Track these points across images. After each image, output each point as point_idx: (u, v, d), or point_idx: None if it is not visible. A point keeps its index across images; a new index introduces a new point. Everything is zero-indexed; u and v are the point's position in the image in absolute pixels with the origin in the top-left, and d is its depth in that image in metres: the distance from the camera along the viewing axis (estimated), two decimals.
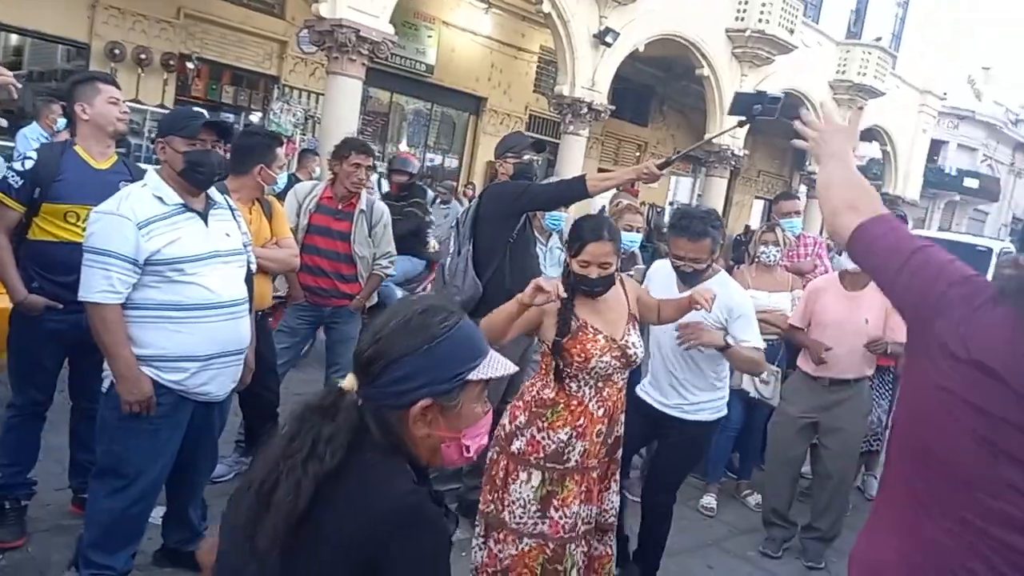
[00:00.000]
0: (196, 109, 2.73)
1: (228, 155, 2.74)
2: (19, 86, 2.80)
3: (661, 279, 3.27)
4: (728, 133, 14.26)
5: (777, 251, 4.47)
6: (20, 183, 2.81)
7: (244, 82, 12.27)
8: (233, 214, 2.75)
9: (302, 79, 12.38)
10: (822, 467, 3.97)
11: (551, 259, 4.55)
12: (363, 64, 9.34)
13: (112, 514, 2.53)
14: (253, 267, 2.83)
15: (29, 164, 2.84)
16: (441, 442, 1.23)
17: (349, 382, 1.22)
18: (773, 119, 3.36)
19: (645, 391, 3.28)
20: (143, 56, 10.53)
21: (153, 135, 10.10)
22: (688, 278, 3.08)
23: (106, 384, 2.49)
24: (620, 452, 2.81)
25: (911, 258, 1.26)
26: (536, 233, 4.14)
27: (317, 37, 9.36)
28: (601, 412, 2.63)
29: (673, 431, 3.19)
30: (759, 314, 4.40)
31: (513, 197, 3.60)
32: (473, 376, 1.23)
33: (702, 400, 3.16)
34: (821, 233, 16.11)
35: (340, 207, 3.91)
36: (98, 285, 2.35)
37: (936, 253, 1.27)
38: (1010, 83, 33.03)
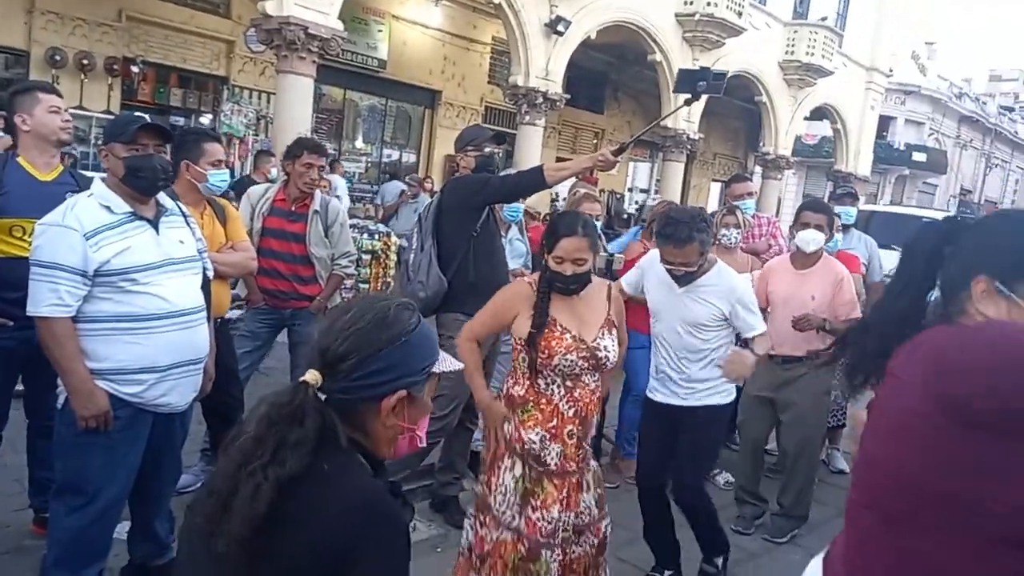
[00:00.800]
0: (136, 114, 2.65)
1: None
2: None
3: (659, 274, 3.19)
4: (682, 117, 14.43)
5: (738, 233, 4.53)
6: None
7: (192, 84, 12.03)
8: (186, 220, 2.70)
9: (252, 79, 12.18)
10: (781, 448, 4.06)
11: (511, 251, 4.55)
12: (313, 61, 9.22)
13: (75, 532, 2.47)
14: (210, 274, 2.78)
15: None
16: (399, 433, 1.27)
17: (313, 376, 1.21)
18: (720, 96, 3.40)
19: (655, 392, 3.27)
20: (85, 61, 10.26)
21: (100, 142, 9.88)
22: (682, 280, 3.08)
23: (60, 400, 2.43)
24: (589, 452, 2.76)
25: None
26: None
27: (265, 36, 9.21)
28: (572, 412, 2.61)
29: (689, 421, 3.18)
30: None
31: (474, 190, 3.60)
32: (436, 368, 1.30)
33: (711, 385, 3.17)
34: (778, 211, 16.39)
35: (294, 208, 3.86)
36: (46, 299, 2.29)
37: None
38: (953, 57, 33.86)
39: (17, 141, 2.93)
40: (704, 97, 4.46)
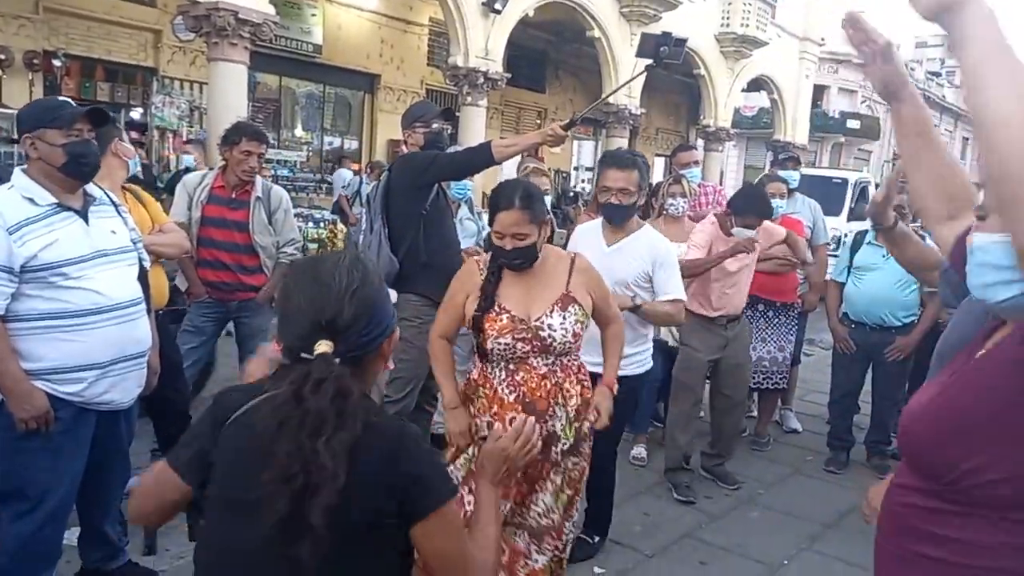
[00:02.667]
0: (61, 98, 2.52)
1: None
2: None
3: (587, 239, 3.27)
4: (624, 92, 14.48)
5: (684, 202, 4.56)
6: None
7: (120, 77, 11.58)
8: (117, 209, 2.59)
9: (182, 69, 11.78)
10: (723, 401, 4.19)
11: (461, 231, 4.51)
12: (246, 48, 8.95)
13: (21, 539, 2.38)
14: (146, 264, 2.68)
15: None
16: (381, 367, 1.40)
17: (327, 347, 1.23)
18: (678, 62, 3.40)
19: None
20: (2, 56, 9.80)
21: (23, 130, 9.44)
22: (616, 218, 3.12)
23: None
24: (562, 451, 2.48)
25: None
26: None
27: (193, 23, 8.90)
28: (513, 398, 2.40)
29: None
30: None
31: (422, 168, 3.54)
32: None
33: (627, 355, 3.14)
34: (721, 182, 16.58)
35: (234, 195, 3.74)
36: None
37: None
38: (880, 25, 34.70)
39: None
40: (644, 72, 4.47)
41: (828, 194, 5.08)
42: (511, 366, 2.43)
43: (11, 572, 2.40)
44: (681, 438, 4.17)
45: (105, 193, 2.58)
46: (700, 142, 19.33)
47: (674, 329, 4.47)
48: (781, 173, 5.15)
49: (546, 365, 2.43)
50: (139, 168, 3.33)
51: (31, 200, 2.29)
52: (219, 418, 1.30)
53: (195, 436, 1.34)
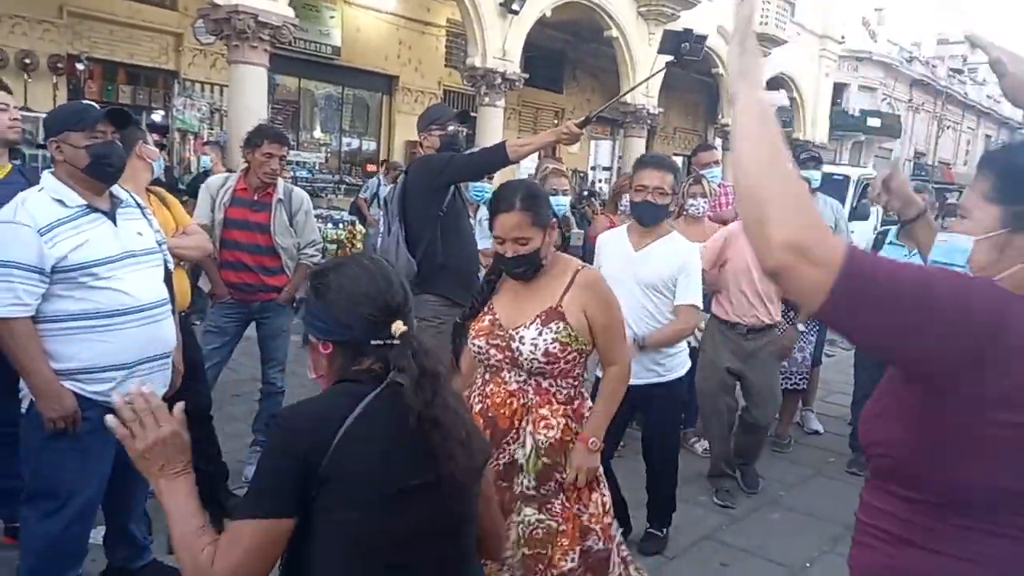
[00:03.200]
0: (84, 101, 2.57)
1: None
2: None
3: (612, 246, 3.31)
4: (641, 92, 14.44)
5: (704, 202, 4.54)
6: None
7: (141, 80, 11.71)
8: (143, 212, 2.62)
9: (203, 72, 11.88)
10: (746, 422, 4.15)
11: (481, 232, 4.52)
12: (265, 50, 9.01)
13: (48, 538, 2.41)
14: (171, 266, 2.71)
15: None
16: None
17: (403, 325, 1.35)
18: (698, 59, 3.41)
19: None
20: (27, 60, 9.91)
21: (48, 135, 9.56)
22: (648, 218, 3.15)
23: (25, 404, 2.37)
24: (523, 491, 2.19)
25: (918, 297, 1.02)
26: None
27: (214, 26, 8.98)
28: (479, 408, 2.24)
29: (655, 398, 3.29)
30: None
31: (438, 170, 3.56)
32: None
33: (672, 361, 3.31)
34: None
35: (256, 197, 3.77)
36: (3, 299, 2.22)
37: (928, 275, 1.07)
38: (901, 22, 34.37)
39: None
40: (664, 70, 4.47)
41: (827, 192, 4.98)
42: (487, 375, 2.29)
43: (39, 570, 2.44)
44: (716, 446, 4.16)
45: (130, 195, 2.61)
46: (719, 141, 19.23)
47: (696, 330, 4.46)
48: (803, 173, 5.11)
49: (517, 382, 2.21)
50: (162, 170, 3.37)
51: (61, 202, 2.32)
52: (307, 445, 1.25)
53: (277, 475, 1.26)
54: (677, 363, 3.34)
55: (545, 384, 2.22)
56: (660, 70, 4.69)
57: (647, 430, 3.54)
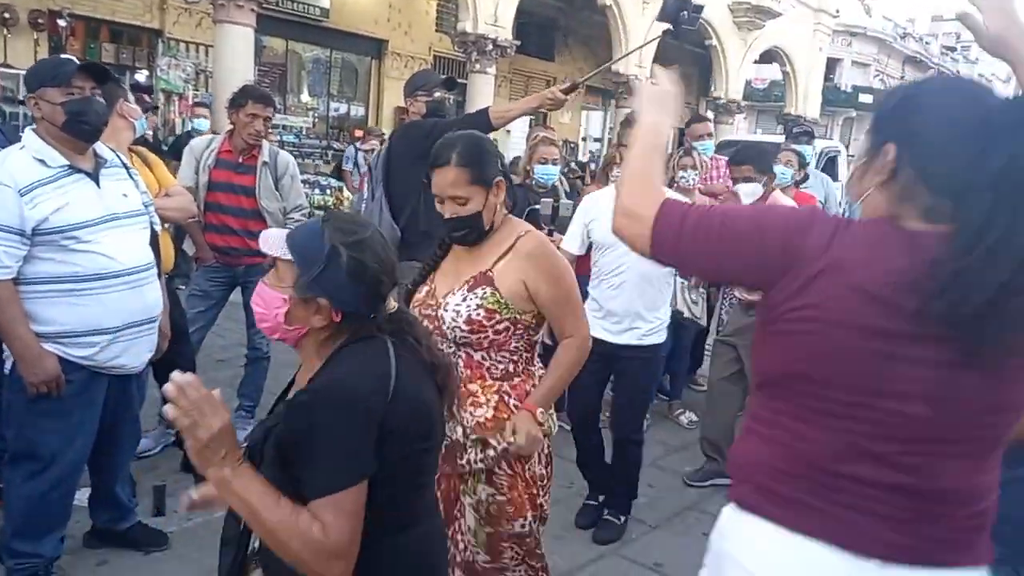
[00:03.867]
0: (64, 56, 2.47)
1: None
2: None
3: (602, 206, 3.15)
4: (634, 62, 14.29)
5: (695, 174, 4.51)
6: None
7: (125, 38, 11.45)
8: (129, 172, 2.56)
9: (188, 31, 11.64)
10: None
11: None
12: (252, 10, 8.84)
13: (32, 500, 2.40)
14: (158, 228, 2.66)
15: None
16: None
17: (393, 303, 1.48)
18: (694, 28, 3.36)
19: (599, 328, 3.11)
20: (7, 15, 9.67)
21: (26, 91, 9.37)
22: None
23: (7, 366, 2.33)
24: (470, 469, 2.03)
25: (722, 231, 1.26)
26: None
27: None
28: None
29: (627, 362, 3.22)
30: None
31: (422, 136, 3.50)
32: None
33: (653, 324, 3.24)
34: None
35: (241, 160, 3.71)
36: None
37: (736, 213, 1.31)
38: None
39: None
40: (659, 38, 4.41)
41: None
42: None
43: (23, 532, 2.43)
44: (709, 422, 4.06)
45: (116, 155, 2.55)
46: (710, 114, 19.15)
47: (688, 299, 4.47)
48: (795, 147, 5.09)
49: (457, 357, 2.01)
50: (147, 129, 3.30)
51: (42, 162, 2.26)
52: (380, 404, 1.31)
53: (360, 441, 1.28)
54: (656, 328, 3.26)
55: (477, 357, 2.01)
56: (655, 38, 4.62)
57: (617, 398, 3.38)
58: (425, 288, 2.10)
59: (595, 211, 3.24)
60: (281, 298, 1.37)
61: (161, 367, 3.26)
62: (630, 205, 1.33)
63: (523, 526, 2.06)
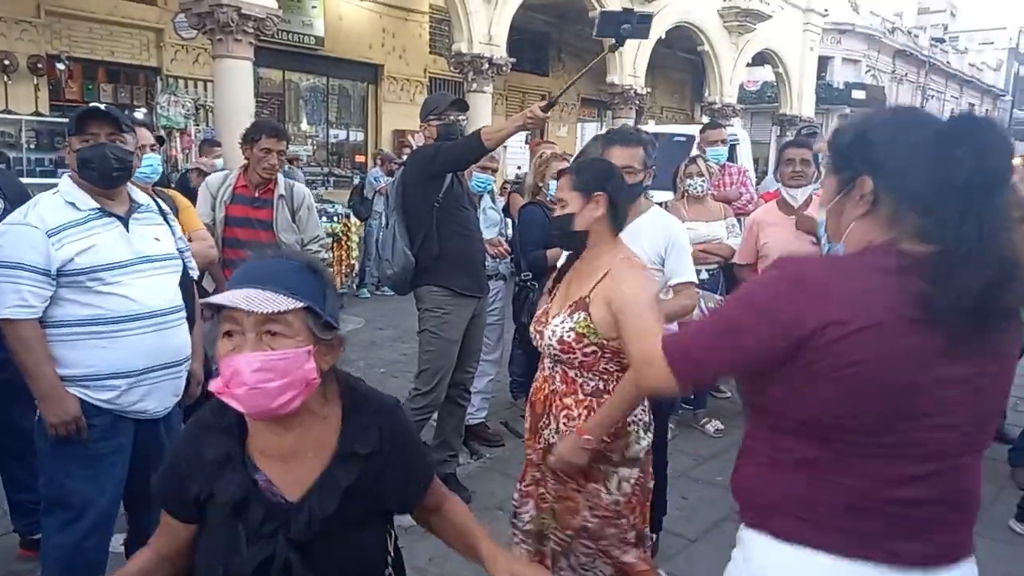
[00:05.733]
0: (92, 104, 2.49)
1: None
2: None
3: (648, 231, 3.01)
4: (628, 72, 14.36)
5: (703, 181, 4.51)
6: None
7: (122, 77, 11.52)
8: (165, 217, 2.57)
9: (186, 67, 11.71)
10: None
11: (485, 220, 4.47)
12: (250, 43, 8.86)
13: (67, 549, 2.37)
14: (193, 273, 2.67)
15: None
16: None
17: None
18: (646, 39, 3.35)
19: None
20: (7, 62, 9.72)
21: (32, 146, 9.42)
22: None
23: (38, 413, 2.30)
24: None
25: (723, 325, 1.34)
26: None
27: (196, 20, 8.82)
28: (532, 395, 2.35)
29: None
30: (700, 245, 4.48)
31: (429, 160, 3.55)
32: (212, 301, 1.25)
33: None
34: (758, 164, 16.37)
35: (257, 194, 3.71)
36: (9, 300, 2.18)
37: (728, 306, 1.39)
38: None
39: None
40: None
41: (671, 156, 4.42)
42: (545, 360, 2.32)
43: None
44: None
45: (155, 200, 2.57)
46: (705, 119, 19.22)
47: (706, 309, 4.43)
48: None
49: (549, 367, 2.27)
50: (154, 168, 3.27)
51: (73, 205, 2.29)
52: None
53: None
54: None
55: (571, 374, 2.21)
56: (603, 55, 4.63)
57: None
58: (544, 306, 2.33)
59: (642, 233, 3.15)
60: (305, 352, 1.25)
61: (194, 411, 3.24)
62: (640, 355, 1.53)
63: (581, 524, 2.22)
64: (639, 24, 3.27)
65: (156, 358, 2.38)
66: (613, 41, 3.46)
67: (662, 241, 2.86)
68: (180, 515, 1.40)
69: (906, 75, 35.15)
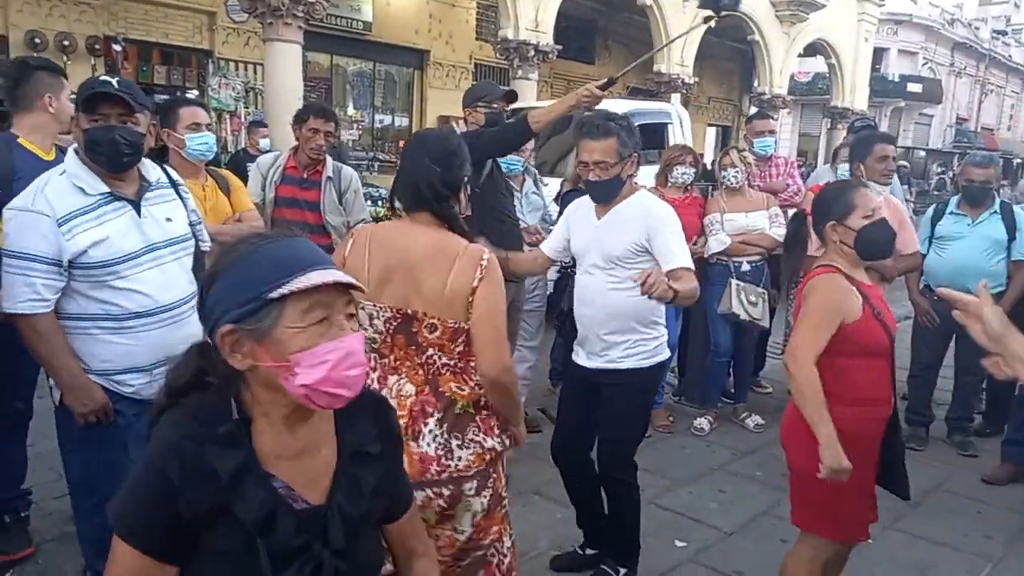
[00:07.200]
0: (102, 78, 2.27)
1: (152, 127, 2.38)
2: None
3: (580, 213, 2.87)
4: (676, 61, 14.17)
5: (736, 172, 4.44)
6: None
7: (176, 59, 11.74)
8: (177, 190, 2.44)
9: (237, 50, 11.89)
10: None
11: (528, 205, 4.48)
12: (300, 27, 8.97)
13: (100, 531, 2.39)
14: (205, 247, 2.53)
15: None
16: (277, 376, 1.13)
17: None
18: (735, 12, 3.43)
19: (576, 352, 2.89)
20: (66, 43, 9.99)
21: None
22: (599, 196, 2.71)
23: (57, 395, 2.26)
24: None
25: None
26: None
27: (248, 4, 8.94)
28: None
29: (605, 388, 2.76)
30: (740, 235, 4.42)
31: (470, 145, 3.52)
32: (275, 294, 1.10)
33: (629, 345, 2.72)
34: (806, 157, 16.02)
35: (305, 175, 3.76)
36: (21, 294, 2.10)
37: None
38: None
39: (22, 119, 2.78)
40: (702, 25, 4.38)
41: (647, 134, 4.39)
42: None
43: (104, 555, 2.45)
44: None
45: (165, 173, 2.43)
46: (753, 110, 18.87)
47: (745, 302, 4.38)
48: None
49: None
50: (208, 148, 3.24)
51: (82, 190, 2.16)
52: None
53: None
54: (634, 352, 2.73)
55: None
56: (695, 26, 4.59)
57: (599, 429, 2.84)
58: None
59: (574, 218, 2.91)
60: (363, 336, 1.21)
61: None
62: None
63: None
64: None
65: (169, 351, 2.26)
66: (710, 12, 3.50)
67: (639, 228, 2.65)
68: (165, 553, 1.13)
69: (965, 68, 34.04)
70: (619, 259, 2.67)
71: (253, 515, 1.12)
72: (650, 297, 2.31)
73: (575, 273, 2.92)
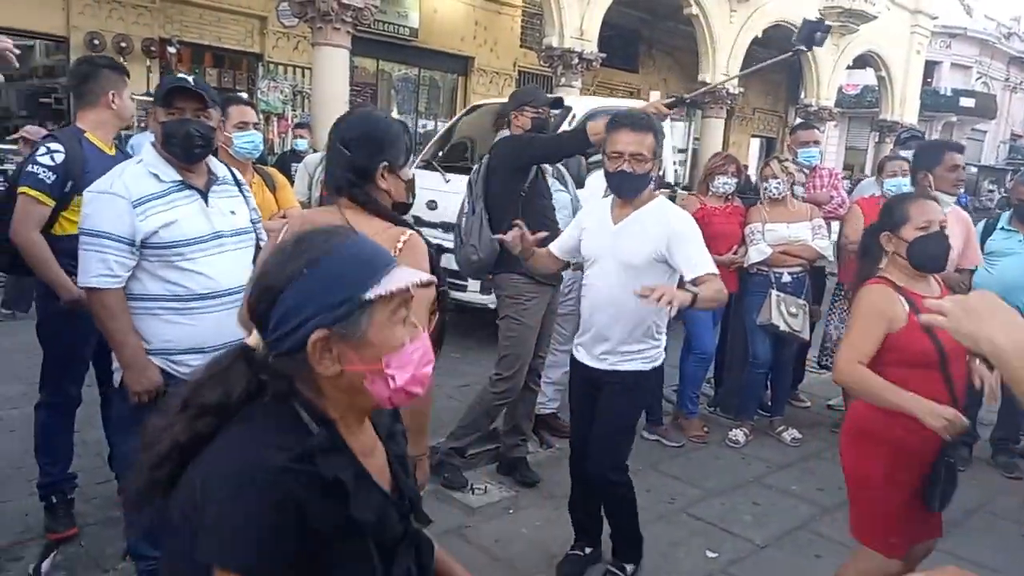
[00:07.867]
0: (180, 75, 2.47)
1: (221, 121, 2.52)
2: (18, 52, 2.61)
3: (594, 217, 2.87)
4: (722, 72, 14.06)
5: (778, 183, 4.39)
6: (53, 178, 2.72)
7: (227, 62, 12.05)
8: (241, 189, 2.59)
9: (286, 54, 12.15)
10: None
11: (556, 203, 4.48)
12: (348, 32, 9.14)
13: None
14: (264, 244, 2.62)
15: (59, 157, 2.74)
16: (363, 379, 1.07)
17: (254, 339, 1.10)
18: (821, 48, 3.66)
19: (578, 351, 2.91)
20: (123, 44, 10.33)
21: (142, 125, 9.97)
22: (626, 189, 2.70)
23: (117, 377, 2.37)
24: None
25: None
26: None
27: (298, 9, 9.15)
28: None
29: (607, 387, 2.79)
30: (781, 246, 4.37)
31: (521, 149, 3.57)
32: (371, 294, 1.05)
33: (634, 350, 2.75)
34: (853, 170, 15.82)
35: None
36: (95, 269, 2.24)
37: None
38: None
39: (86, 115, 2.90)
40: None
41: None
42: None
43: (147, 537, 2.49)
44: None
45: (230, 171, 2.59)
46: (799, 121, 18.61)
47: (785, 313, 4.33)
48: (903, 152, 4.89)
49: None
50: (254, 146, 3.36)
51: (156, 176, 2.30)
52: None
53: None
54: (637, 356, 2.76)
55: None
56: (785, 56, 4.60)
57: (594, 427, 2.83)
58: None
59: (587, 221, 2.90)
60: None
61: None
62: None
63: None
64: (823, 34, 3.49)
65: (230, 336, 2.37)
66: (802, 47, 3.82)
67: (660, 236, 2.66)
68: None
69: (1020, 83, 33.14)
70: (635, 266, 2.69)
71: (373, 516, 1.07)
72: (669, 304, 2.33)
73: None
